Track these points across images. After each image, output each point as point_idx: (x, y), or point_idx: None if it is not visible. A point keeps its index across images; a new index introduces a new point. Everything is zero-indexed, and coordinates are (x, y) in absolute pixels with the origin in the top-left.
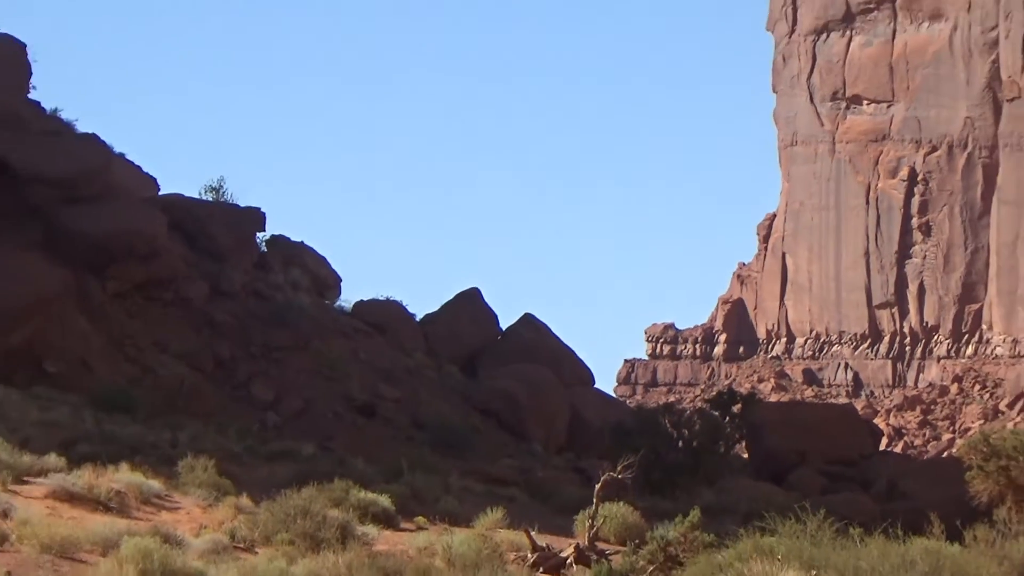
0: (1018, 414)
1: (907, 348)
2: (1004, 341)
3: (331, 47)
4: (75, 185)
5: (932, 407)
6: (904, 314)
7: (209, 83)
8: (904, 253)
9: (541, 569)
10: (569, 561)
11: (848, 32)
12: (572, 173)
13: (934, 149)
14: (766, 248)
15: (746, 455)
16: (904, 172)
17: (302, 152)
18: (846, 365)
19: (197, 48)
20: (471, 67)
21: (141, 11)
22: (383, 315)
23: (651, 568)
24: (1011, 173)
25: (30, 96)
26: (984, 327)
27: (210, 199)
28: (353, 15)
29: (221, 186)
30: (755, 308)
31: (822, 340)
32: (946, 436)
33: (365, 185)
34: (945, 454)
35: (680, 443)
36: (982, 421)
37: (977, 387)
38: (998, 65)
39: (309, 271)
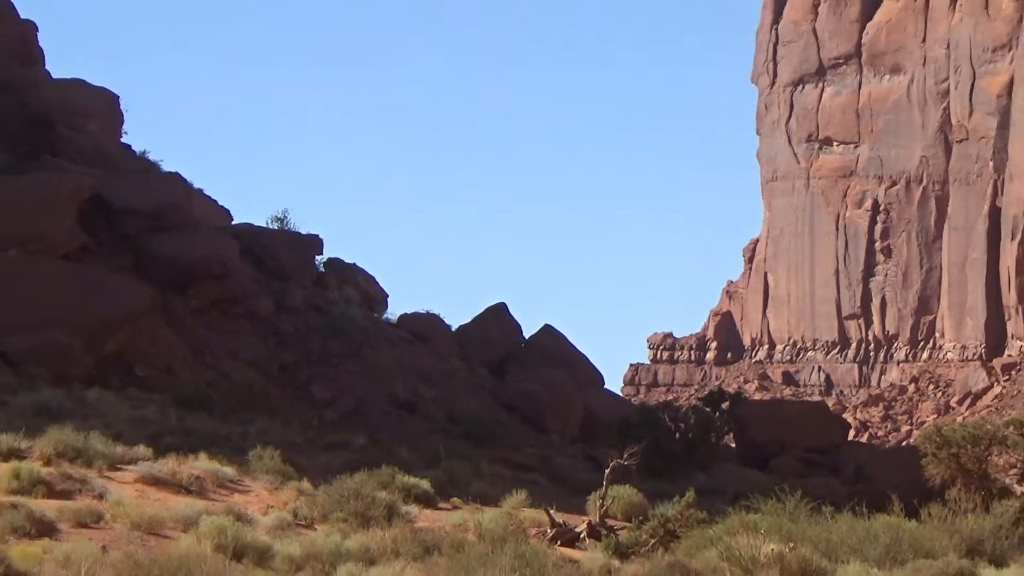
0: (966, 409)
1: (871, 353)
2: (954, 347)
3: (367, 81)
4: (161, 216)
5: (893, 404)
6: (869, 324)
7: (272, 125)
8: (869, 272)
9: (559, 543)
10: (583, 535)
11: (821, 84)
12: (588, 203)
13: (894, 184)
14: (751, 268)
15: (734, 445)
16: (869, 203)
17: (355, 182)
18: (819, 368)
19: (258, 94)
20: (482, 100)
21: (213, 66)
22: (423, 326)
23: (653, 541)
24: (960, 204)
25: (123, 140)
26: (937, 335)
27: (275, 227)
28: (386, 56)
29: (285, 216)
30: (741, 319)
31: (798, 347)
32: (905, 428)
33: (408, 210)
34: (904, 443)
35: (677, 435)
36: (935, 415)
37: (931, 387)
38: (949, 112)
39: (360, 288)
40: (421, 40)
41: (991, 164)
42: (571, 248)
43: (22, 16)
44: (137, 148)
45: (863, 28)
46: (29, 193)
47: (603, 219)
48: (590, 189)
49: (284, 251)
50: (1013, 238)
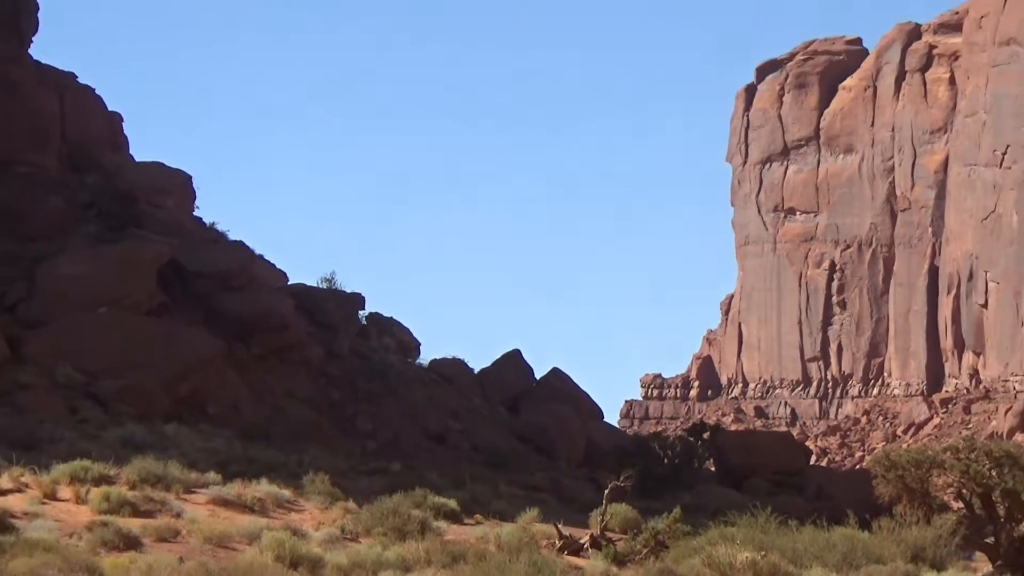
0: (910, 438)
1: (830, 390)
2: (900, 385)
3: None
4: (228, 278)
5: (848, 433)
6: (827, 366)
7: (319, 197)
8: (827, 322)
9: (566, 552)
10: (586, 546)
11: (785, 162)
12: (591, 263)
13: (848, 247)
14: (727, 319)
15: (713, 468)
16: (826, 264)
17: (391, 244)
18: (785, 403)
19: (306, 176)
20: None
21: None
22: (450, 369)
23: (645, 551)
24: (903, 264)
25: (195, 212)
26: (885, 375)
27: (324, 287)
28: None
29: (332, 277)
30: (719, 362)
31: (768, 385)
32: (858, 454)
33: (433, 268)
34: (857, 467)
35: (666, 460)
36: (884, 443)
37: (880, 418)
38: (894, 185)
39: (396, 338)
40: (425, 115)
41: (930, 230)
42: (575, 299)
43: (109, 109)
44: (207, 220)
45: (821, 115)
46: (117, 259)
47: (604, 276)
48: (592, 252)
49: (332, 307)
50: (948, 292)
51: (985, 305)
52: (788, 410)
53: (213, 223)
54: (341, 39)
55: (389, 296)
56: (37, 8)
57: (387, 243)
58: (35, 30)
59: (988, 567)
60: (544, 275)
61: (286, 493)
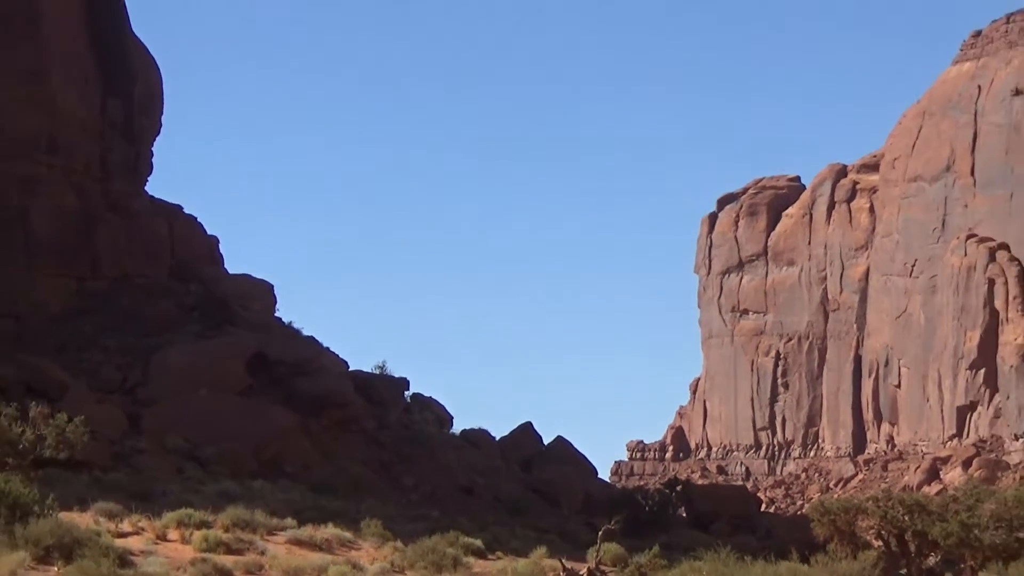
0: (840, 490)
1: (776, 452)
2: (831, 448)
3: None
4: (302, 365)
5: (791, 486)
6: (774, 433)
7: (375, 292)
8: (774, 399)
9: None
10: (592, 567)
11: (741, 273)
12: (586, 353)
13: (790, 340)
14: (695, 397)
15: (684, 514)
16: (773, 353)
17: (430, 332)
18: (741, 463)
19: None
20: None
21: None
22: (476, 437)
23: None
24: (834, 353)
25: (276, 314)
26: (820, 440)
27: (377, 372)
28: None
29: (383, 365)
30: (689, 431)
31: (727, 448)
32: (799, 503)
33: (465, 350)
34: (798, 513)
35: (647, 508)
36: (819, 494)
37: (816, 475)
38: (826, 291)
39: (434, 412)
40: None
41: (855, 326)
42: (575, 379)
43: (208, 232)
44: (285, 319)
45: (768, 236)
46: (215, 352)
47: (598, 362)
48: (587, 344)
49: (383, 389)
50: (869, 376)
51: (898, 385)
52: (743, 468)
53: (290, 322)
54: (374, 158)
55: (427, 373)
56: (152, 155)
57: (426, 330)
58: (150, 171)
59: None
60: (549, 360)
61: (347, 535)
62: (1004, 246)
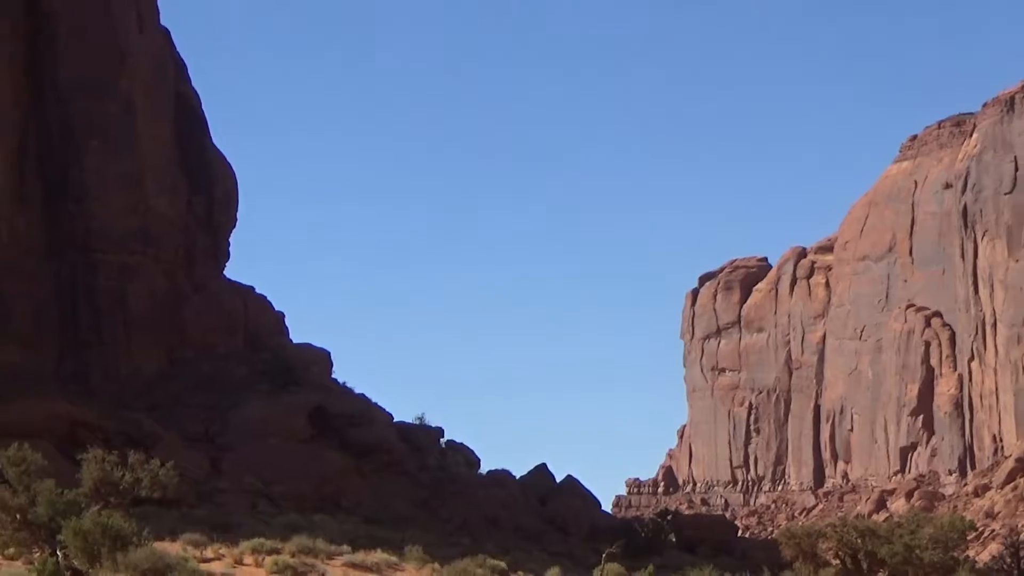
0: (804, 518)
1: (750, 487)
2: (796, 483)
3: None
4: (354, 418)
5: (763, 515)
6: (748, 471)
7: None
8: (747, 442)
9: None
10: None
11: (719, 338)
12: (591, 404)
13: (760, 393)
14: (682, 440)
15: (674, 539)
16: (747, 404)
17: (468, 389)
18: (721, 495)
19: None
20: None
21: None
22: (500, 476)
23: None
24: (797, 404)
25: (332, 375)
26: (786, 477)
27: (417, 423)
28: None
29: (422, 416)
30: (677, 469)
31: (709, 484)
32: (769, 529)
33: (492, 397)
34: (769, 538)
35: (643, 535)
36: (787, 521)
37: (784, 505)
38: (790, 353)
39: (464, 456)
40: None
41: (814, 381)
42: (584, 427)
43: (276, 309)
44: (340, 379)
45: (741, 307)
46: (282, 407)
47: (600, 413)
48: (591, 401)
49: (422, 437)
50: (827, 422)
51: (851, 430)
52: (723, 500)
53: (344, 382)
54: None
55: (459, 419)
56: (229, 244)
57: (458, 384)
58: (228, 258)
59: None
60: (562, 410)
61: (394, 559)
62: (937, 314)
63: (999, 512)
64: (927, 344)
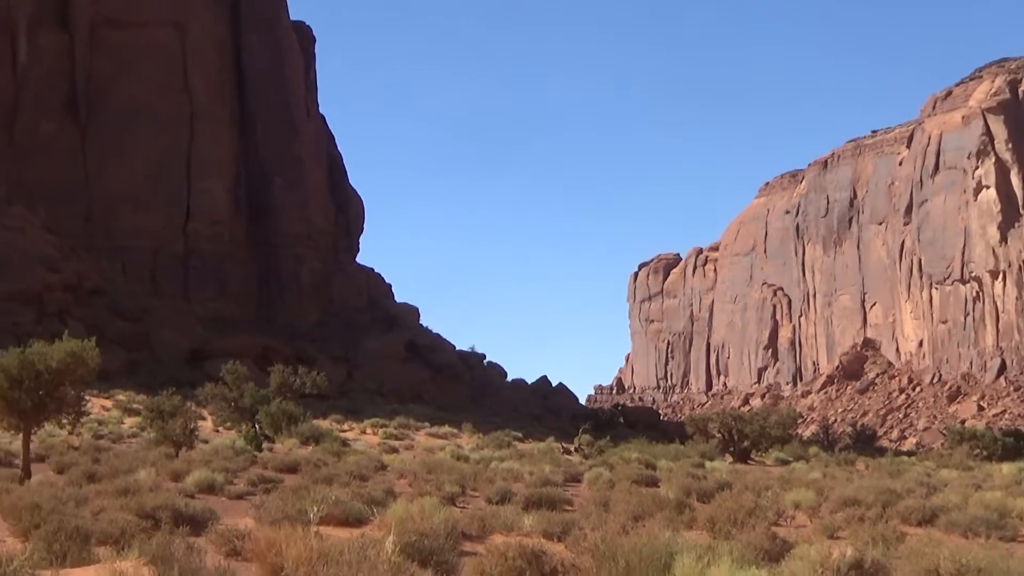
0: (700, 409)
1: (668, 391)
2: (695, 389)
3: None
4: (433, 348)
5: (675, 407)
6: (667, 381)
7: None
8: (666, 364)
9: (563, 453)
10: (572, 451)
11: (649, 302)
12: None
13: (674, 335)
14: (627, 362)
15: (623, 421)
16: (666, 342)
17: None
18: (650, 395)
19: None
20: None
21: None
22: (518, 383)
23: (595, 454)
24: (696, 343)
25: (420, 321)
26: (689, 385)
27: (469, 350)
28: None
29: (473, 347)
30: (624, 379)
31: (644, 389)
32: (680, 415)
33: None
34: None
35: (603, 418)
36: (690, 411)
37: (688, 402)
38: (692, 311)
39: (497, 370)
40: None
41: (707, 328)
42: (568, 353)
43: (387, 280)
44: (426, 324)
45: (664, 282)
46: (391, 341)
47: (581, 345)
48: (575, 337)
49: (472, 358)
50: (713, 352)
51: (728, 357)
52: (651, 398)
53: (426, 325)
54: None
55: (494, 347)
56: (359, 244)
57: (495, 325)
58: (358, 251)
59: (730, 460)
60: (558, 341)
61: (455, 431)
62: (780, 288)
63: (816, 407)
64: (774, 307)
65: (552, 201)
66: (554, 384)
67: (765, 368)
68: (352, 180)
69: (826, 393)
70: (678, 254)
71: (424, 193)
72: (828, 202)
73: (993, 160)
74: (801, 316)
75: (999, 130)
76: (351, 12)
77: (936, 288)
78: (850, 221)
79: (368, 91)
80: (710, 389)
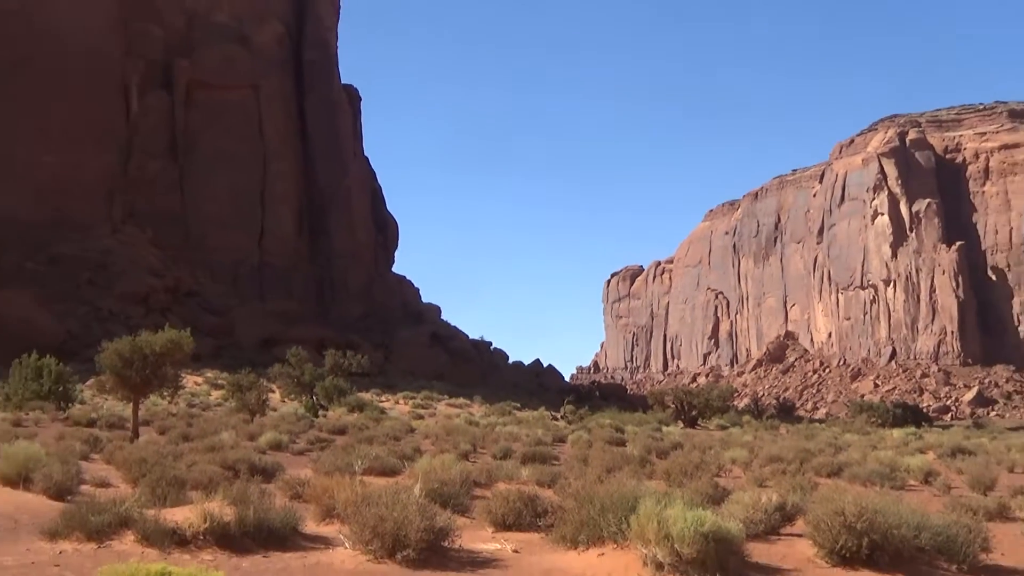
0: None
1: (634, 371)
2: (655, 370)
3: None
4: (452, 338)
5: (639, 384)
6: (633, 364)
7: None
8: (632, 351)
9: (552, 419)
10: (559, 418)
11: (619, 302)
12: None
13: (639, 328)
14: (601, 348)
15: (599, 395)
16: (632, 333)
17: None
18: (622, 376)
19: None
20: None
21: None
22: (518, 364)
23: (577, 419)
24: (655, 334)
25: (442, 317)
26: (650, 367)
27: (479, 338)
28: None
29: (482, 336)
30: (599, 362)
31: (615, 369)
32: (643, 390)
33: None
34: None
35: (583, 393)
36: (651, 387)
37: (648, 380)
38: (652, 309)
39: (502, 354)
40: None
41: (665, 322)
42: (558, 341)
43: (415, 286)
44: (447, 319)
45: (631, 288)
46: (423, 333)
47: (567, 334)
48: (562, 329)
49: (481, 345)
50: (669, 342)
51: (681, 345)
52: (621, 377)
53: (447, 320)
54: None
55: (498, 335)
56: (394, 258)
57: (500, 317)
58: (393, 263)
59: (682, 425)
60: (548, 332)
61: (468, 402)
62: (721, 292)
63: (748, 384)
64: (716, 307)
65: (547, 218)
66: (545, 365)
67: (709, 353)
68: (392, 207)
69: (756, 373)
70: (641, 265)
71: (448, 216)
72: (758, 225)
73: (886, 193)
74: (737, 314)
75: (891, 170)
76: (391, 78)
77: (842, 293)
78: (775, 240)
79: (400, 138)
80: (666, 370)
